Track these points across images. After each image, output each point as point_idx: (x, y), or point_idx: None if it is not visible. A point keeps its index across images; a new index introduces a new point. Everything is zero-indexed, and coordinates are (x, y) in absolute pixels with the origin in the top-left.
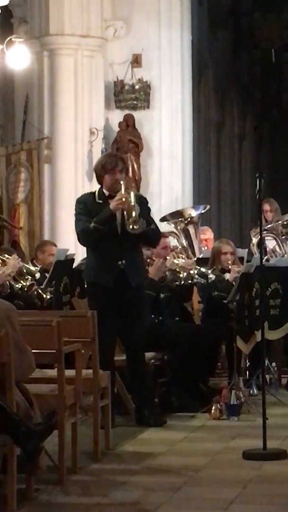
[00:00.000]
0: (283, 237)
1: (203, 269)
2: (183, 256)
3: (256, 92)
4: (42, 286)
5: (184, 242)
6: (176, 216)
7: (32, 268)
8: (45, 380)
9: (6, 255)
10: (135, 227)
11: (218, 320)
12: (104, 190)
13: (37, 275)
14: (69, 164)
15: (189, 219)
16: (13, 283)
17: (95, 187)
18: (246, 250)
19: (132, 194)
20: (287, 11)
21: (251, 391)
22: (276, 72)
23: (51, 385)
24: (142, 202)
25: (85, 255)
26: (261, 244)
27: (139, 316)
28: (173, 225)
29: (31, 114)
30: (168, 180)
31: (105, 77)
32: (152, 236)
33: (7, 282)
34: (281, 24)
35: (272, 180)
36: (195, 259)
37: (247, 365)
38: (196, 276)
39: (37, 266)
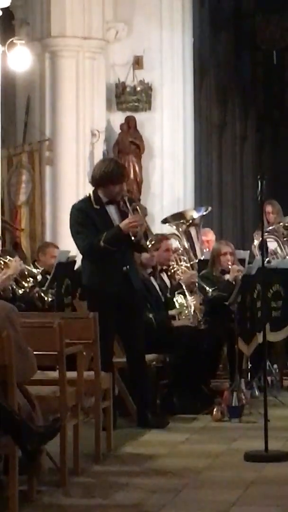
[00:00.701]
0: (285, 239)
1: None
2: (185, 258)
3: (258, 94)
4: (44, 288)
5: (186, 244)
6: (177, 218)
7: (34, 270)
8: (46, 382)
9: (8, 257)
10: (141, 242)
11: (219, 322)
12: (101, 196)
13: (39, 277)
14: (71, 165)
15: (190, 221)
16: (15, 287)
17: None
18: (248, 252)
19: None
20: None
21: (252, 393)
22: (277, 73)
23: (53, 387)
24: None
25: None
26: (262, 245)
27: (140, 318)
28: (174, 227)
29: (32, 115)
30: (169, 182)
31: (107, 78)
32: (143, 242)
33: (9, 287)
34: (283, 25)
35: (274, 181)
36: (197, 260)
37: (249, 367)
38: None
39: (38, 268)
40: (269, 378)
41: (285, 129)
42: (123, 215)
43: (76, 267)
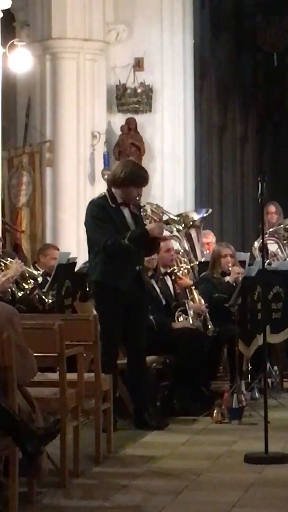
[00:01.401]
0: (285, 241)
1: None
2: (185, 260)
3: (259, 95)
4: (44, 290)
5: (186, 246)
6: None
7: (35, 272)
8: (47, 383)
9: (9, 259)
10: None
11: (220, 323)
12: (117, 196)
13: (40, 279)
14: (71, 167)
15: (191, 222)
16: (15, 290)
17: (96, 190)
18: (248, 253)
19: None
20: None
21: (253, 395)
22: (278, 75)
23: (53, 389)
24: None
25: (87, 259)
26: (263, 247)
27: (144, 319)
28: (175, 229)
29: (33, 117)
30: (170, 184)
31: (107, 80)
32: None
33: (9, 289)
34: (283, 27)
35: (274, 183)
36: (197, 262)
37: (249, 369)
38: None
39: (39, 270)
40: (269, 380)
41: (285, 131)
42: (134, 218)
43: (76, 268)
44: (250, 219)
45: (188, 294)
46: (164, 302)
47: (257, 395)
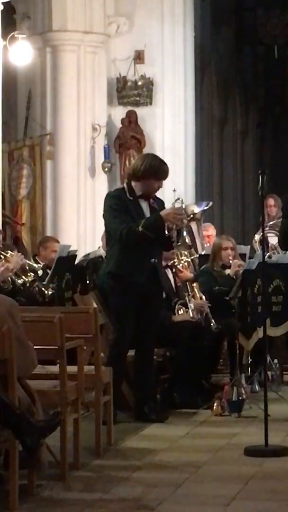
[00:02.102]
0: None
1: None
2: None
3: (259, 89)
4: (44, 282)
5: (187, 239)
6: None
7: (35, 265)
8: (47, 376)
9: (10, 252)
10: (172, 239)
11: (220, 316)
12: (136, 189)
13: (40, 272)
14: (72, 160)
15: (191, 215)
16: (15, 278)
17: (97, 183)
18: (248, 246)
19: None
20: None
21: (253, 388)
22: (279, 68)
23: (53, 381)
24: (162, 204)
25: (87, 251)
26: (263, 240)
27: (157, 313)
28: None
29: (33, 110)
30: (170, 177)
31: (108, 73)
32: (169, 244)
33: (9, 278)
34: (284, 20)
35: (275, 176)
36: (197, 255)
37: (249, 362)
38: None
39: (39, 263)
40: (269, 373)
41: (286, 124)
42: (153, 212)
43: (76, 261)
44: (250, 212)
45: (188, 288)
46: (164, 295)
47: (257, 388)
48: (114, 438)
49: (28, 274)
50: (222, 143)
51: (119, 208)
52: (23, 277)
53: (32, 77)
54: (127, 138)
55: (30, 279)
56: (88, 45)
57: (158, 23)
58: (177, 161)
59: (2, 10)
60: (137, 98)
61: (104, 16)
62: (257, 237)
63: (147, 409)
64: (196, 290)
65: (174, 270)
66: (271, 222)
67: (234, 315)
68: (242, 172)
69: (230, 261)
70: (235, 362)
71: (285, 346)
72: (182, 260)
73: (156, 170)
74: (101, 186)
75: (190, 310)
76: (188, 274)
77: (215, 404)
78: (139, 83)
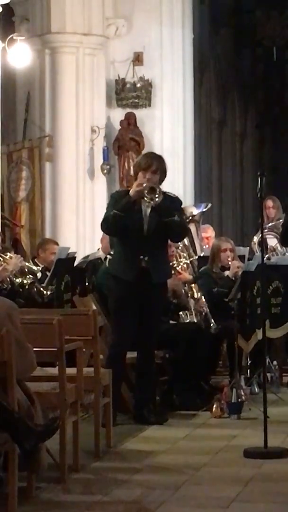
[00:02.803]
0: None
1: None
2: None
3: (258, 90)
4: (44, 284)
5: (186, 240)
6: None
7: (34, 267)
8: (46, 378)
9: (9, 254)
10: (149, 197)
11: (219, 318)
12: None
13: (39, 275)
14: (71, 162)
15: (190, 217)
16: (13, 278)
17: (96, 185)
18: (247, 248)
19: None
20: None
21: (252, 390)
22: (278, 70)
23: (52, 383)
24: (173, 201)
25: (86, 253)
26: (262, 242)
27: (155, 315)
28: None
29: (32, 112)
30: (169, 178)
31: (107, 75)
32: (175, 227)
33: (8, 279)
34: (283, 21)
35: (274, 178)
36: (196, 257)
37: (248, 364)
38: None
39: (38, 265)
40: (268, 375)
41: (285, 126)
42: (153, 210)
43: (76, 263)
44: (249, 214)
45: (187, 289)
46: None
47: (256, 389)
48: (113, 440)
49: (27, 276)
50: (221, 144)
51: (111, 204)
52: (22, 279)
53: (31, 79)
54: (126, 140)
55: (29, 281)
56: (87, 47)
57: (157, 25)
58: (176, 162)
59: (1, 12)
60: (136, 100)
61: (103, 18)
62: (256, 239)
63: (147, 411)
64: (195, 290)
65: (173, 272)
66: (270, 224)
67: (233, 317)
68: (241, 173)
69: (229, 263)
70: (235, 364)
71: (284, 347)
72: (181, 262)
73: (139, 162)
74: (100, 188)
75: (193, 314)
76: (187, 275)
77: (214, 406)
78: (138, 85)
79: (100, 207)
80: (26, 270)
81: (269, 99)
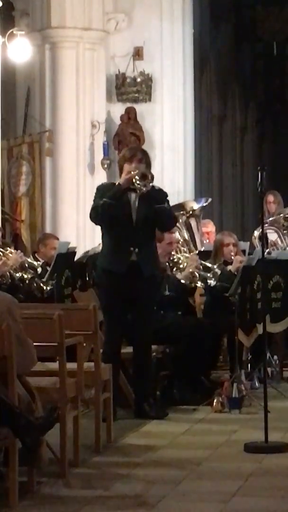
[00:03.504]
0: (285, 230)
1: (209, 274)
2: (185, 250)
3: (258, 86)
4: (44, 279)
5: (186, 235)
6: (177, 209)
7: (35, 262)
8: (46, 373)
9: (9, 249)
10: (142, 183)
11: (220, 313)
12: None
13: (39, 270)
14: (71, 157)
15: (190, 212)
16: (13, 273)
17: (96, 180)
18: (248, 243)
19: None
20: None
21: (252, 384)
22: (278, 65)
23: (53, 378)
24: (160, 190)
25: (86, 248)
26: (263, 237)
27: (148, 309)
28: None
29: (32, 107)
30: (169, 173)
31: (107, 70)
32: (164, 215)
33: (8, 273)
34: (283, 17)
35: (274, 173)
36: (197, 252)
37: (249, 358)
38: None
39: (39, 260)
40: (269, 369)
41: (285, 121)
42: (142, 201)
43: (76, 258)
44: (249, 209)
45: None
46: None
47: (257, 384)
48: (114, 435)
49: (28, 271)
50: (221, 139)
51: (98, 197)
52: (23, 275)
53: (31, 74)
54: (126, 135)
55: (29, 276)
56: (87, 42)
57: (157, 20)
58: (176, 157)
59: (1, 7)
60: (136, 95)
61: (103, 12)
62: (256, 233)
63: (147, 406)
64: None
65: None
66: (270, 219)
67: (234, 312)
68: (241, 168)
69: (232, 257)
70: (235, 358)
71: (285, 342)
72: (182, 256)
73: (123, 154)
74: (100, 183)
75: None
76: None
77: (215, 401)
78: (138, 79)
79: None
80: (27, 265)
81: (269, 94)
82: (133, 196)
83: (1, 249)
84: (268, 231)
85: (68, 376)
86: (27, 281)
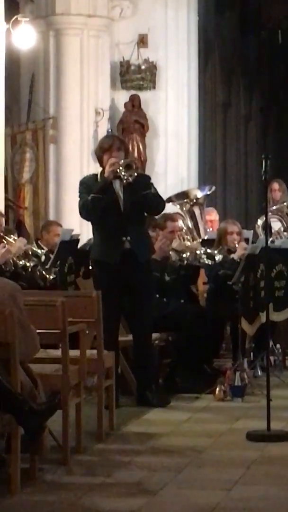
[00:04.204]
0: None
1: (209, 250)
2: (189, 238)
3: (263, 73)
4: (47, 267)
5: (190, 223)
6: (181, 197)
7: (38, 250)
8: (49, 360)
9: (12, 236)
10: (127, 173)
11: (223, 301)
12: (105, 171)
13: (43, 258)
14: (75, 144)
15: (194, 200)
16: (16, 260)
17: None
18: (252, 231)
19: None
20: None
21: (255, 373)
22: (283, 53)
23: (56, 365)
24: (143, 175)
25: (90, 235)
26: (266, 225)
27: (147, 295)
28: (178, 206)
29: (36, 94)
30: (173, 161)
31: (111, 57)
32: (152, 200)
33: (11, 260)
34: None
35: (278, 161)
36: (200, 240)
37: (252, 347)
38: (203, 257)
39: (42, 247)
40: (271, 358)
41: None
42: (125, 187)
43: (79, 245)
44: (253, 197)
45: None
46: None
47: (259, 373)
48: (116, 422)
49: (31, 259)
50: (226, 127)
51: (84, 191)
52: (26, 263)
53: (35, 61)
54: (130, 122)
55: (32, 264)
56: (91, 29)
57: (162, 7)
58: (180, 145)
59: None
60: (141, 82)
61: None
62: (260, 222)
63: (149, 394)
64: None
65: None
66: (274, 207)
67: (237, 300)
68: (245, 156)
69: (236, 246)
70: (238, 347)
71: None
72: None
73: (100, 145)
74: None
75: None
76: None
77: (217, 389)
78: (143, 67)
79: None
80: (30, 253)
81: (274, 82)
82: (117, 184)
83: (5, 236)
84: (271, 219)
85: (71, 363)
86: (29, 269)
